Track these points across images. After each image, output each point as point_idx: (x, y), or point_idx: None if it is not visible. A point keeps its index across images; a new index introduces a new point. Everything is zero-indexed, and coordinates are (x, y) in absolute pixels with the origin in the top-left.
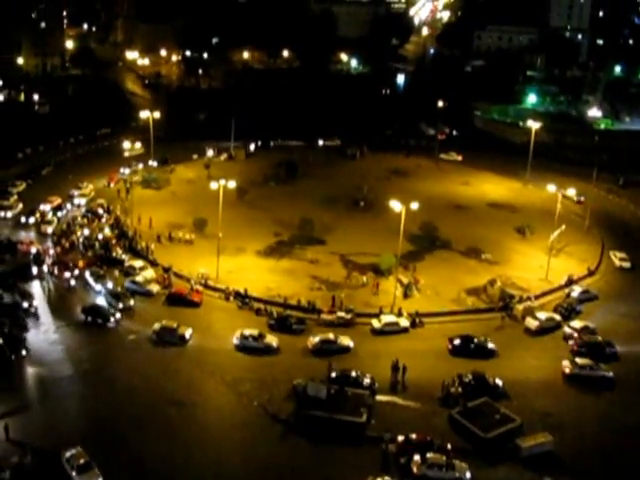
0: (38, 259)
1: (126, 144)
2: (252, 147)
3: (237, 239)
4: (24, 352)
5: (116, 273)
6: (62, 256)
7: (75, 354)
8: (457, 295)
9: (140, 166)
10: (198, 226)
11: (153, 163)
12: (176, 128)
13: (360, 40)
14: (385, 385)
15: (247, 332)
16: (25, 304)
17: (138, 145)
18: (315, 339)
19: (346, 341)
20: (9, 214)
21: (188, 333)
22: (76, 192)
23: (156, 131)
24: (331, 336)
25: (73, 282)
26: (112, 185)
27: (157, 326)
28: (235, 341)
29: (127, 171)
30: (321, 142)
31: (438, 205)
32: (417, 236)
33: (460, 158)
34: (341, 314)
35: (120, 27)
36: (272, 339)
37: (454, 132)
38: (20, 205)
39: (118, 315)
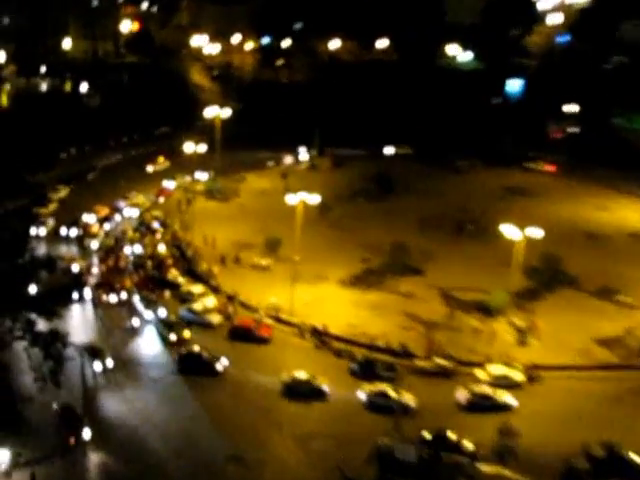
0: (80, 279)
1: (188, 146)
2: (336, 154)
3: (317, 264)
4: (87, 434)
5: (166, 294)
6: (108, 276)
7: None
8: (585, 345)
9: (194, 176)
10: (270, 247)
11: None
12: (249, 129)
13: (472, 29)
14: (490, 451)
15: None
16: (97, 365)
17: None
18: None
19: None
20: (49, 222)
21: (325, 387)
22: (124, 203)
23: (225, 132)
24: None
25: (116, 302)
26: (161, 199)
27: (287, 377)
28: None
29: (172, 184)
30: (390, 150)
31: (564, 232)
32: (536, 270)
33: (552, 169)
34: (439, 361)
35: (185, 8)
36: (406, 397)
37: (577, 131)
38: (51, 219)
39: (225, 361)
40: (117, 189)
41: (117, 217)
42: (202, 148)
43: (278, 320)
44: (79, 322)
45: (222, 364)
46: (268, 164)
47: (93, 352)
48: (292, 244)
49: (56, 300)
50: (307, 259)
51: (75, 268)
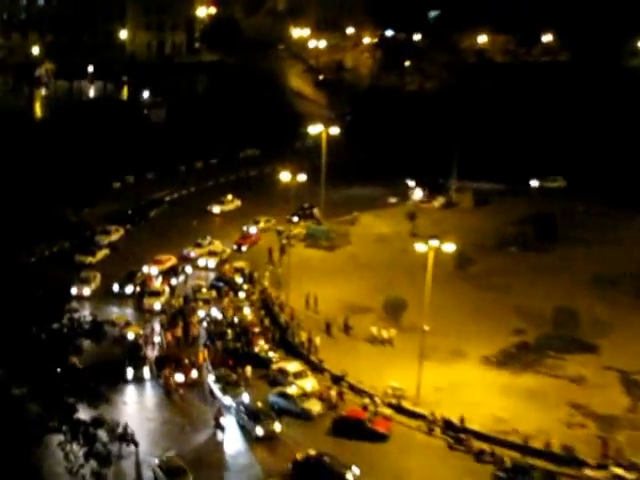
0: (137, 351)
1: (285, 175)
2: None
3: (452, 336)
4: None
5: (250, 372)
6: (174, 348)
7: None
8: None
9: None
10: (391, 311)
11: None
12: (364, 153)
13: None
14: None
15: None
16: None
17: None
18: None
19: None
20: (96, 274)
21: None
22: (195, 251)
23: (331, 156)
24: None
25: (184, 383)
26: (245, 248)
27: None
28: None
29: (254, 228)
30: (535, 182)
31: None
32: None
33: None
34: (617, 471)
35: None
36: None
37: None
38: (99, 271)
39: (356, 471)
40: (187, 232)
41: (187, 269)
42: (301, 178)
43: (399, 410)
44: (134, 410)
45: (353, 475)
46: (389, 200)
47: (169, 471)
48: (420, 308)
49: (103, 379)
50: (440, 329)
51: (130, 336)
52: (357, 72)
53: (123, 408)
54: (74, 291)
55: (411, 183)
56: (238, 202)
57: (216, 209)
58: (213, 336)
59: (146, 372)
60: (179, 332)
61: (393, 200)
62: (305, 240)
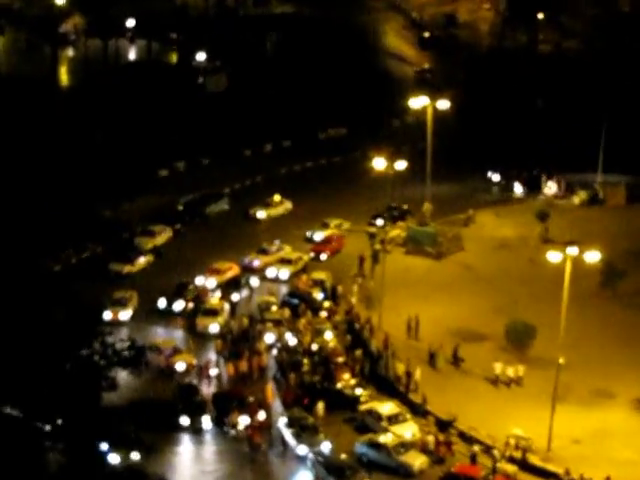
0: (192, 395)
1: (379, 162)
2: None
3: (597, 372)
4: None
5: (320, 409)
6: (236, 383)
7: None
8: None
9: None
10: (515, 340)
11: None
12: (481, 133)
13: None
14: None
15: None
16: None
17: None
18: None
19: None
20: (134, 289)
21: None
22: (261, 258)
23: (439, 138)
24: None
25: (249, 427)
26: (324, 256)
27: None
28: None
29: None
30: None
31: None
32: None
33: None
34: None
35: None
36: None
37: None
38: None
39: None
40: (252, 234)
41: (252, 282)
42: (400, 166)
43: (525, 467)
44: (186, 461)
45: None
46: (514, 194)
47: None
48: (553, 335)
49: (145, 422)
50: (579, 362)
51: (180, 367)
52: (474, 28)
53: (171, 459)
54: (107, 316)
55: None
56: (288, 204)
57: (261, 214)
58: (285, 367)
59: (206, 421)
60: (243, 363)
61: (519, 194)
62: (405, 245)
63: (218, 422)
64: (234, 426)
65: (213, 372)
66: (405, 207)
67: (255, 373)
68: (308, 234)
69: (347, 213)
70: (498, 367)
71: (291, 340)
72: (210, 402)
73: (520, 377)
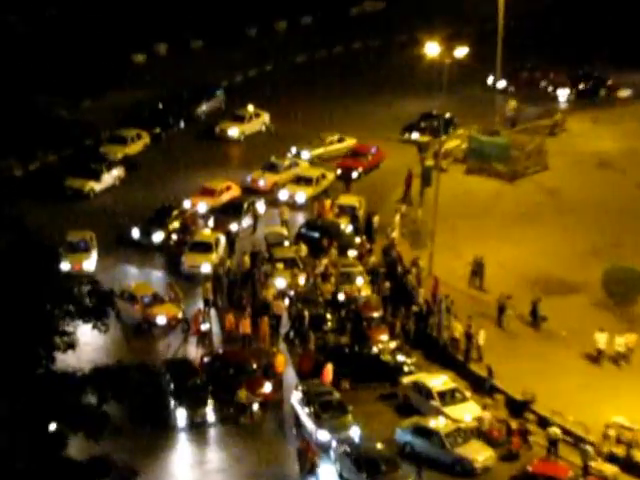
0: (190, 374)
1: (433, 47)
2: None
3: None
4: None
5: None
6: (235, 343)
7: None
8: None
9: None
10: (618, 293)
11: None
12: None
13: None
14: None
15: None
16: None
17: (250, 108)
18: None
19: None
20: (92, 240)
21: None
22: (263, 179)
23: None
24: None
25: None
26: (355, 173)
27: None
28: None
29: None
30: None
31: None
32: None
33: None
34: None
35: None
36: None
37: None
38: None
39: None
40: (257, 141)
41: (258, 207)
42: (460, 52)
43: (629, 467)
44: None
45: None
46: (618, 95)
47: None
48: None
49: (114, 395)
50: None
51: (161, 321)
52: None
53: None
54: (66, 267)
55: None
56: (265, 116)
57: (233, 131)
58: (300, 324)
59: (210, 413)
60: (245, 321)
61: (625, 94)
62: (467, 161)
63: (215, 399)
64: (242, 406)
65: (204, 327)
66: (448, 115)
67: (262, 333)
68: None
69: (374, 121)
70: (601, 338)
71: (309, 287)
72: (205, 369)
73: (630, 350)
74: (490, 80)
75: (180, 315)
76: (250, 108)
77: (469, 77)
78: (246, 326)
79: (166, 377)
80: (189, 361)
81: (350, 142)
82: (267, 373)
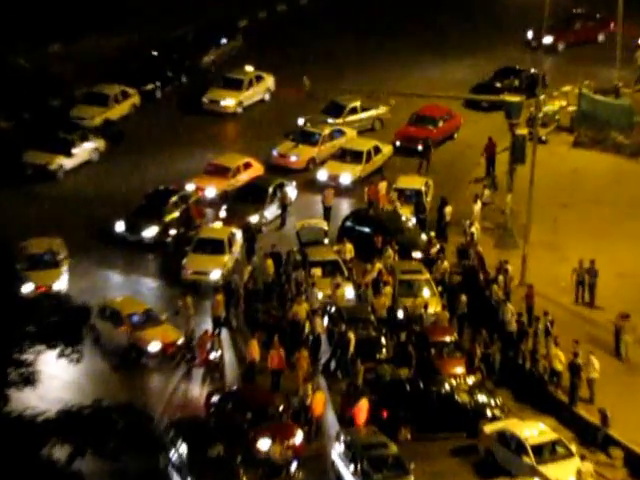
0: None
1: None
2: None
3: None
4: None
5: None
6: (252, 377)
7: None
8: None
9: None
10: None
11: None
12: None
13: None
14: None
15: None
16: None
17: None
18: None
19: None
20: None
21: None
22: (295, 154)
23: None
24: None
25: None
26: (420, 148)
27: None
28: None
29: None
30: None
31: None
32: None
33: None
34: None
35: None
36: None
37: None
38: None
39: None
40: (286, 104)
41: (289, 191)
42: None
43: None
44: None
45: None
46: None
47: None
48: None
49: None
50: None
51: (153, 347)
52: None
53: None
54: (27, 289)
55: None
56: (269, 80)
57: (229, 101)
58: (345, 351)
59: None
60: (276, 353)
61: None
62: (575, 129)
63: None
64: (275, 467)
65: (212, 355)
66: (532, 71)
67: (298, 365)
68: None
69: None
70: None
71: (357, 301)
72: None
73: None
74: (529, 35)
75: (181, 341)
76: (249, 69)
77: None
78: (275, 359)
79: (170, 434)
80: (205, 422)
81: (381, 110)
82: (298, 418)
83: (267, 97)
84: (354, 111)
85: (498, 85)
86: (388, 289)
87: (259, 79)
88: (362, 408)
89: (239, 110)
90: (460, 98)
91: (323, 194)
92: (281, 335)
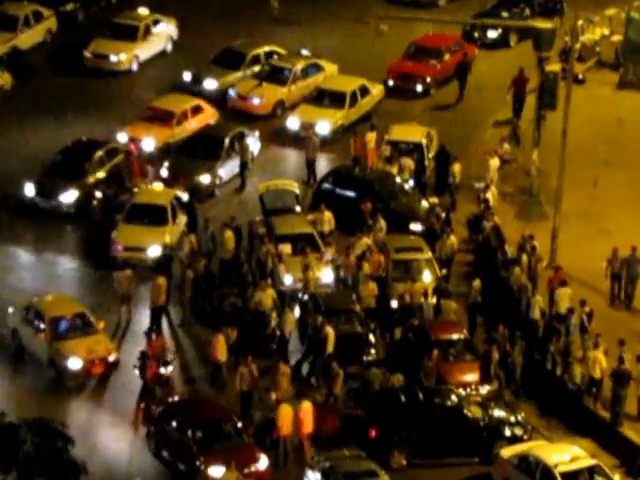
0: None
1: None
2: None
3: None
4: None
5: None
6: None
7: None
8: None
9: None
10: None
11: None
12: None
13: None
14: None
15: None
16: None
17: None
18: None
19: None
20: None
21: None
22: (258, 96)
23: None
24: None
25: None
26: (420, 88)
27: None
28: None
29: None
30: None
31: None
32: None
33: None
34: None
35: None
36: None
37: None
38: None
39: None
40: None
41: (249, 141)
42: None
43: None
44: None
45: None
46: None
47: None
48: None
49: None
50: None
51: (74, 365)
52: None
53: None
54: None
55: None
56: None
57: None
58: (321, 351)
59: None
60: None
61: None
62: (621, 65)
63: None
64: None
65: (164, 370)
66: None
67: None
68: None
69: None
70: None
71: (338, 287)
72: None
73: None
74: None
75: (113, 357)
76: (143, 11)
77: None
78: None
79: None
80: None
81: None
82: (262, 438)
83: (169, 48)
84: (256, 60)
85: (504, 14)
86: (379, 272)
87: (157, 23)
88: (306, 413)
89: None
90: (474, 24)
91: (305, 142)
92: (242, 330)
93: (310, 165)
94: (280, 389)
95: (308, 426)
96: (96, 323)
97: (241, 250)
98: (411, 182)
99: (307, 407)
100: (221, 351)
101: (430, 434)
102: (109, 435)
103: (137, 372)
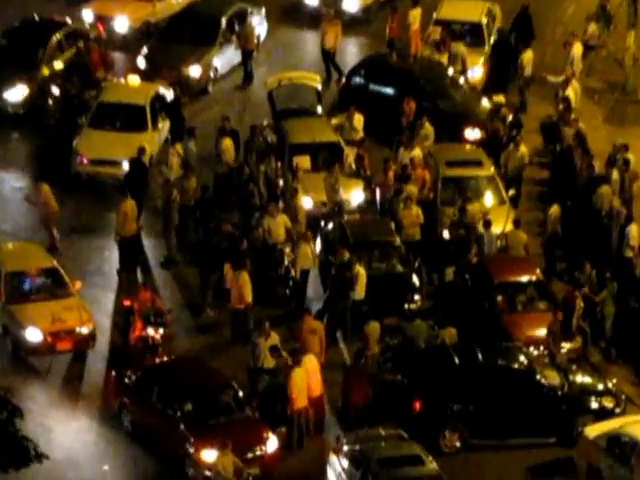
0: None
1: None
2: None
3: None
4: None
5: None
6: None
7: None
8: None
9: None
10: None
11: None
12: None
13: None
14: None
15: None
16: None
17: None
18: None
19: None
20: None
21: None
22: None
23: None
24: None
25: None
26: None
27: None
28: None
29: None
30: None
31: None
32: None
33: None
34: None
35: None
36: None
37: None
38: None
39: None
40: None
41: (254, 20)
42: None
43: None
44: None
45: None
46: None
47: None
48: None
49: None
50: None
51: (32, 335)
52: None
53: None
54: None
55: None
56: None
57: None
58: (348, 295)
59: None
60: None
61: None
62: None
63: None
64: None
65: (153, 331)
66: None
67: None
68: None
69: None
70: None
71: (371, 212)
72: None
73: None
74: None
75: (87, 329)
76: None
77: None
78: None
79: None
80: None
81: None
82: (271, 410)
83: None
84: None
85: None
86: (425, 192)
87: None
88: (309, 371)
89: None
90: None
91: (321, 28)
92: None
93: (327, 55)
94: (310, 353)
95: (315, 389)
96: (71, 284)
97: (249, 161)
98: (469, 74)
99: (310, 363)
100: (248, 292)
101: (492, 407)
102: (73, 413)
103: (117, 332)
